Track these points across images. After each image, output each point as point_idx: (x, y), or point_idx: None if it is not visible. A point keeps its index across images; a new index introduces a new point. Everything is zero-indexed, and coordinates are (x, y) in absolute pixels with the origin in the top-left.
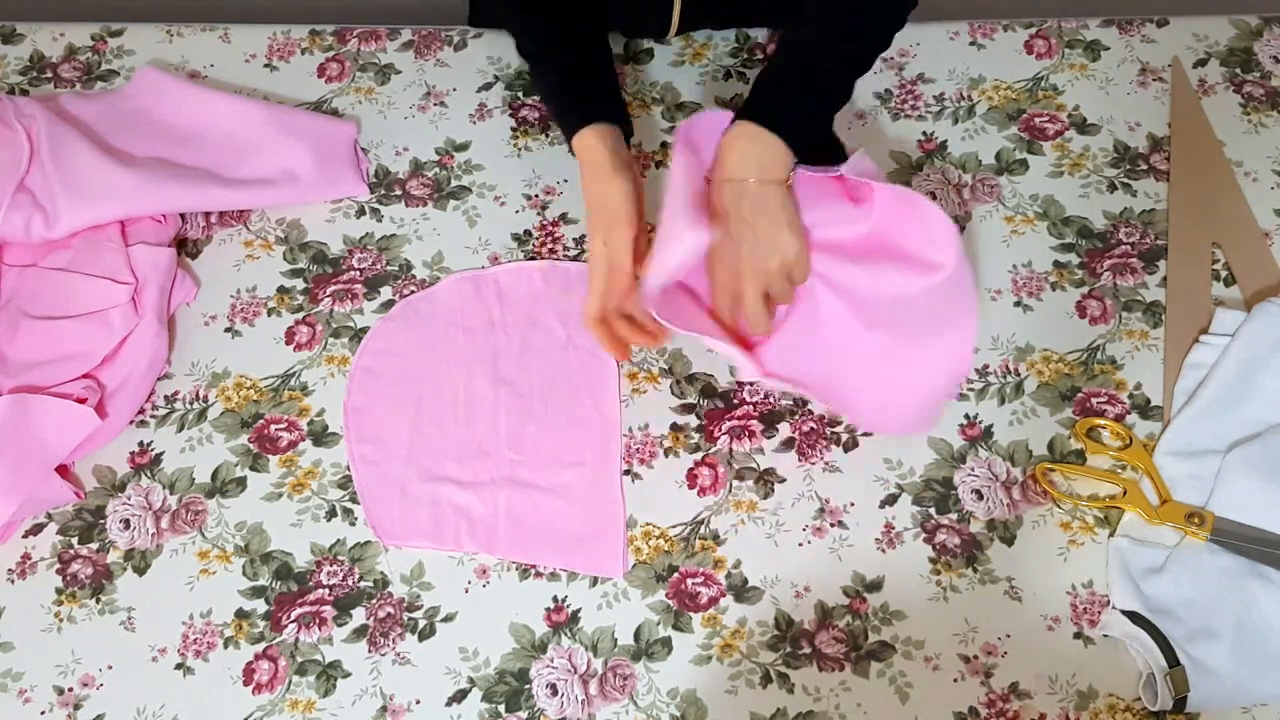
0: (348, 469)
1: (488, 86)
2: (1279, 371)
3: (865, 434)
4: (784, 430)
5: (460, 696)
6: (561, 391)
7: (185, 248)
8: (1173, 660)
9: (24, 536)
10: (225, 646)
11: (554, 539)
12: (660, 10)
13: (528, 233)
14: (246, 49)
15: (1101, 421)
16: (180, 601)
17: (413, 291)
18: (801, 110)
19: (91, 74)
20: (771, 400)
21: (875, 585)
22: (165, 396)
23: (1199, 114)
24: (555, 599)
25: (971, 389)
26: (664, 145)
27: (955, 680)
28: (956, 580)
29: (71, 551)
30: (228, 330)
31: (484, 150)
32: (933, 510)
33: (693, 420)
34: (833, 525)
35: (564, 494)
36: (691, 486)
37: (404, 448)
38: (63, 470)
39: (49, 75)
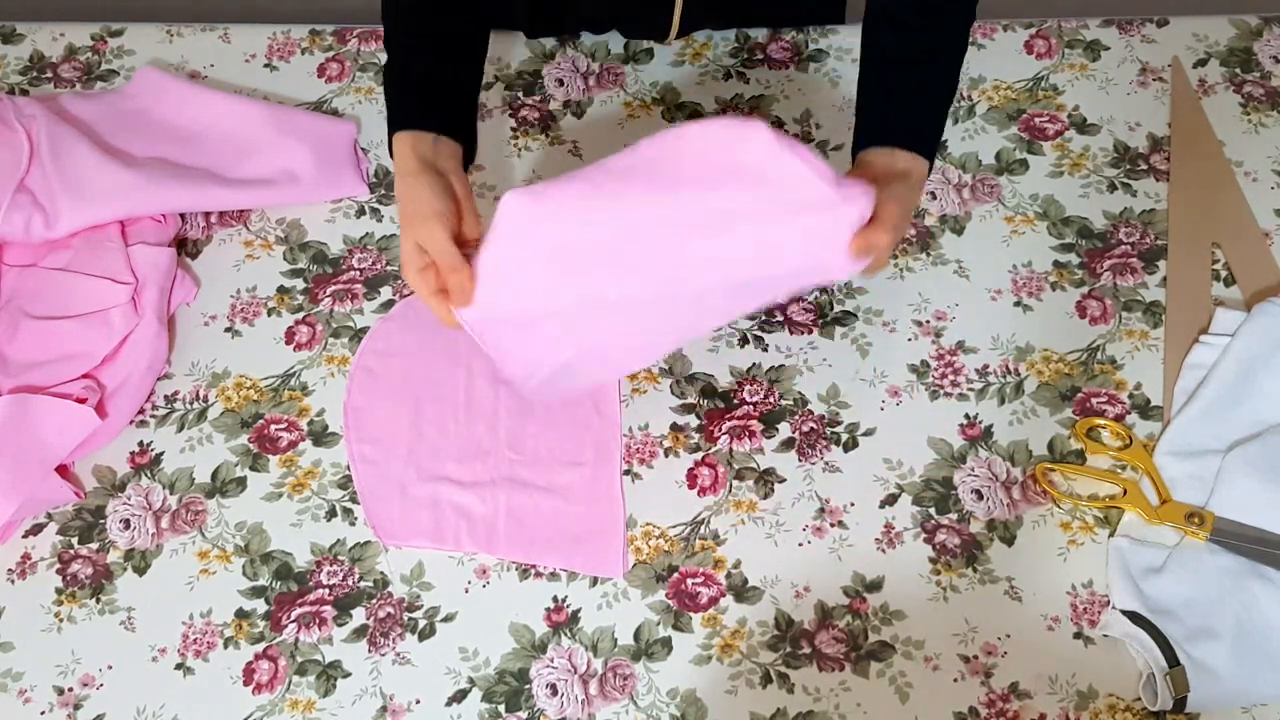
0: (348, 469)
1: (487, 86)
2: (1279, 371)
3: (865, 434)
4: (784, 430)
5: (460, 696)
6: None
7: (185, 248)
8: (1173, 660)
9: (24, 536)
10: (225, 646)
11: (554, 539)
12: (661, 13)
13: None
14: (246, 49)
15: (1101, 421)
16: (180, 601)
17: (412, 292)
18: (939, 123)
19: (91, 74)
20: (772, 400)
21: (875, 585)
22: (165, 396)
23: (1199, 114)
24: (555, 599)
25: (971, 389)
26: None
27: (955, 680)
28: (956, 580)
29: (71, 551)
30: (228, 330)
31: (484, 150)
32: (933, 510)
33: (693, 420)
34: (833, 525)
35: (564, 494)
36: (691, 486)
37: (404, 448)
38: (63, 470)
39: (49, 75)
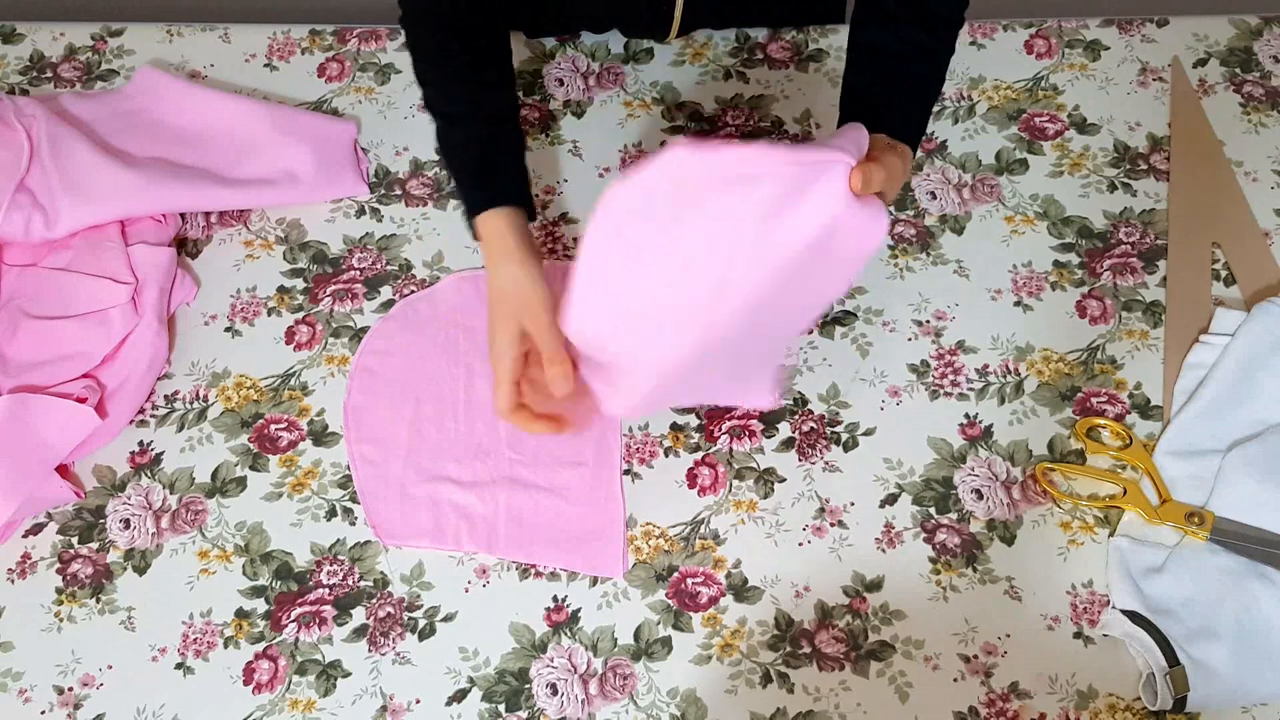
0: (348, 469)
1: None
2: (1279, 371)
3: (865, 434)
4: (784, 430)
5: (460, 696)
6: None
7: (185, 248)
8: (1173, 660)
9: (24, 536)
10: (225, 646)
11: (554, 539)
12: (662, 11)
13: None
14: (246, 49)
15: (1101, 421)
16: (180, 601)
17: (413, 291)
18: (925, 119)
19: (91, 74)
20: None
21: (875, 585)
22: (165, 396)
23: (1199, 114)
24: (555, 599)
25: (971, 389)
26: (664, 145)
27: (955, 680)
28: (956, 580)
29: (71, 551)
30: (228, 330)
31: None
32: (933, 510)
33: (693, 420)
34: (833, 525)
35: (564, 494)
36: (691, 486)
37: (404, 447)
38: (63, 470)
39: (49, 75)
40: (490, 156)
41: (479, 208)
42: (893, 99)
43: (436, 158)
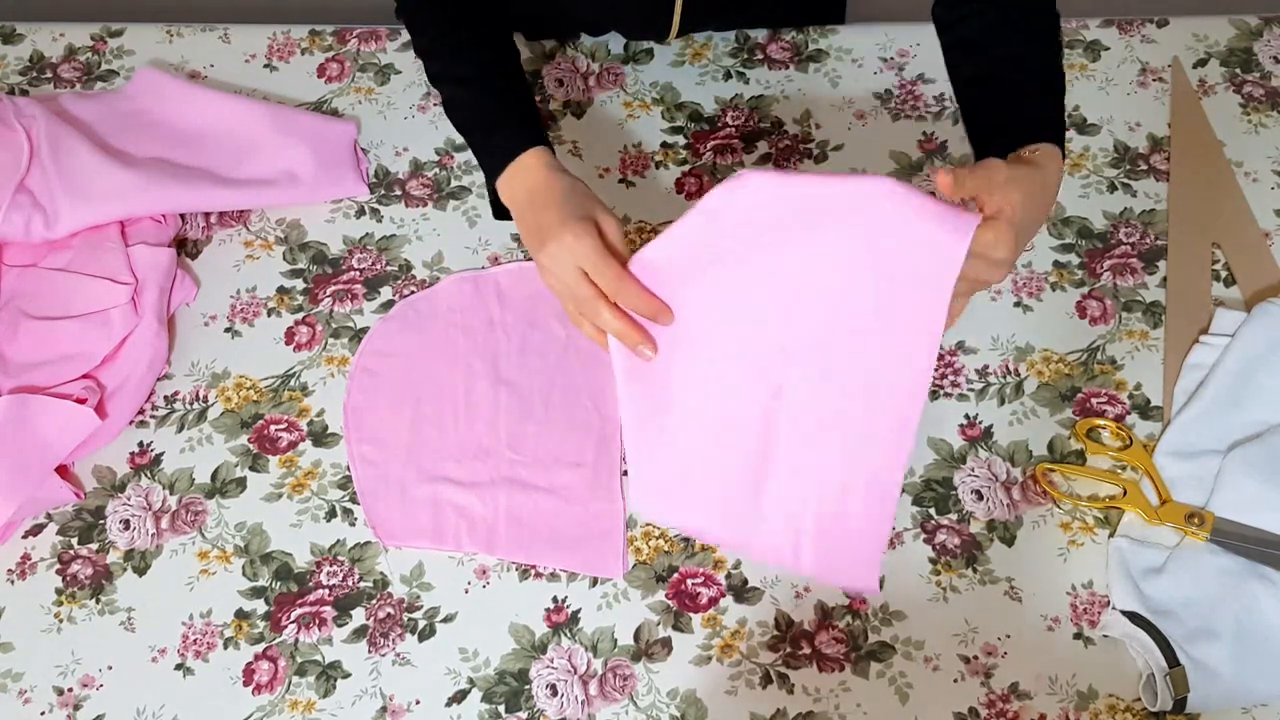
0: (348, 469)
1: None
2: (1279, 371)
3: None
4: None
5: (460, 697)
6: (561, 392)
7: (185, 248)
8: (1173, 660)
9: (24, 537)
10: (225, 647)
11: (554, 539)
12: (661, 12)
13: None
14: (246, 49)
15: (1101, 422)
16: (180, 602)
17: (413, 292)
18: (1061, 113)
19: (91, 74)
20: None
21: None
22: (165, 397)
23: (1199, 114)
24: (555, 599)
25: (971, 389)
26: (664, 145)
27: (955, 680)
28: (956, 580)
29: (71, 552)
30: (228, 330)
31: None
32: (933, 510)
33: None
34: None
35: (564, 494)
36: None
37: (404, 448)
38: (63, 470)
39: (49, 75)
40: (512, 105)
41: (517, 150)
42: (1012, 102)
43: (437, 156)
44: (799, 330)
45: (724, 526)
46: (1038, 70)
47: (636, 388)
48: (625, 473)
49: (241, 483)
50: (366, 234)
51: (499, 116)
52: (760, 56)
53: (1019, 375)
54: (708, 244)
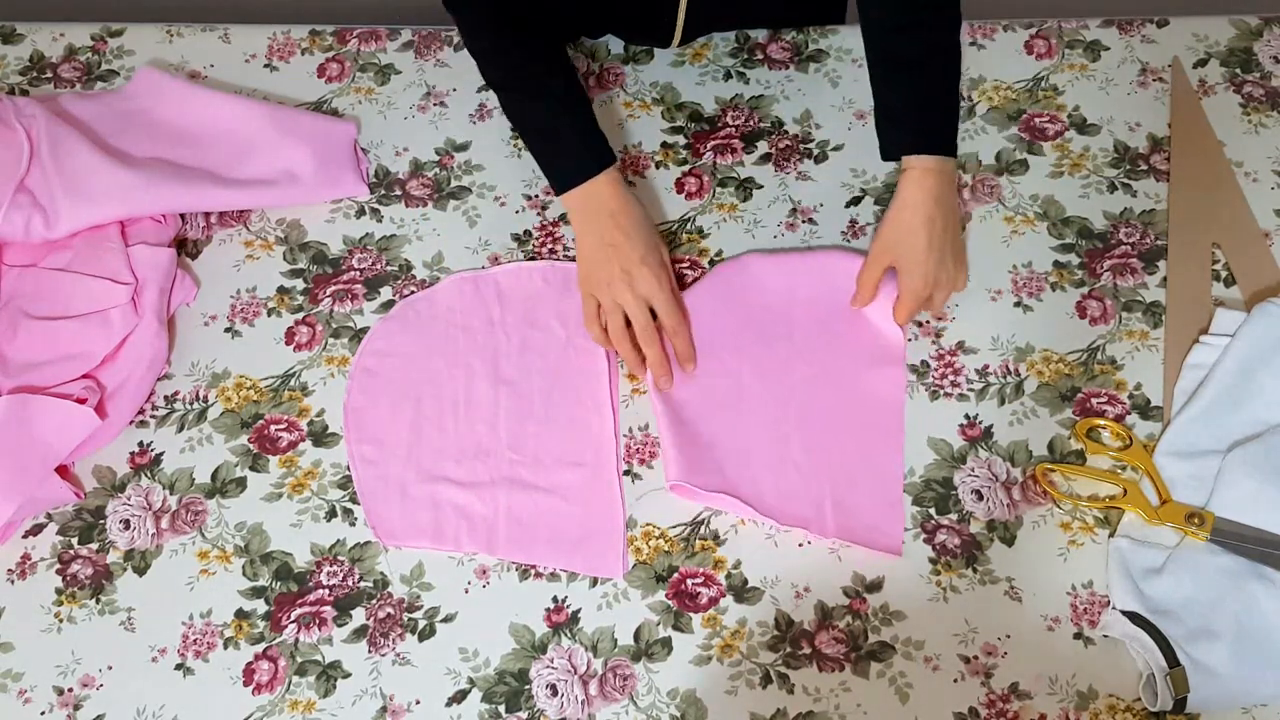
0: (348, 469)
1: (488, 86)
2: (1279, 371)
3: None
4: None
5: (460, 697)
6: (561, 391)
7: (185, 248)
8: (1173, 660)
9: (24, 536)
10: (225, 647)
11: (554, 539)
12: (663, 21)
13: (528, 233)
14: (246, 49)
15: (1101, 422)
16: (180, 602)
17: (413, 292)
18: (957, 115)
19: (91, 74)
20: None
21: (875, 585)
22: (165, 397)
23: (1199, 114)
24: (555, 599)
25: (971, 389)
26: (664, 145)
27: (955, 680)
28: (956, 580)
29: (71, 552)
30: (228, 330)
31: (484, 150)
32: (933, 510)
33: None
34: None
35: (564, 494)
36: None
37: (404, 448)
38: (63, 470)
39: (49, 75)
40: (585, 124)
41: (593, 171)
42: (906, 115)
43: (437, 156)
44: (802, 353)
45: (755, 496)
46: (930, 70)
47: (673, 403)
48: (625, 472)
49: (241, 483)
50: (366, 234)
51: (574, 134)
52: (760, 56)
53: (1019, 375)
54: (726, 299)
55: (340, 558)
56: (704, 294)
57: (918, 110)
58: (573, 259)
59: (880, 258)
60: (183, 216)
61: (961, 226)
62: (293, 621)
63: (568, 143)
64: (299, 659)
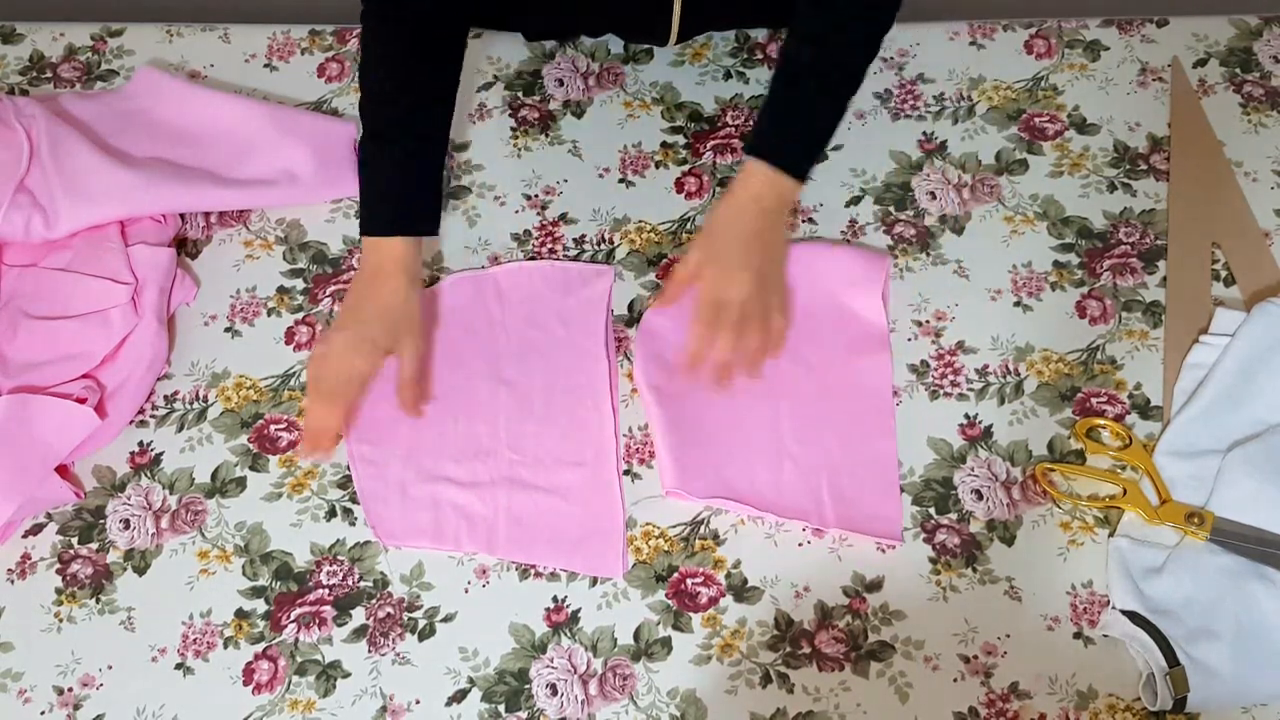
0: (347, 469)
1: (487, 86)
2: (1279, 371)
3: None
4: None
5: (460, 696)
6: (561, 391)
7: (185, 248)
8: (1173, 660)
9: (24, 536)
10: (225, 646)
11: (554, 539)
12: (659, 20)
13: (527, 233)
14: (246, 49)
15: (1101, 421)
16: (180, 601)
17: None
18: (815, 142)
19: (91, 74)
20: None
21: (875, 585)
22: (165, 396)
23: (1199, 114)
24: (555, 599)
25: (971, 389)
26: (664, 145)
27: (955, 680)
28: (956, 580)
29: (71, 551)
30: (228, 330)
31: (484, 150)
32: (932, 510)
33: None
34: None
35: (564, 494)
36: None
37: (404, 448)
38: (63, 470)
39: (49, 75)
40: (407, 183)
41: (380, 231)
42: (773, 123)
43: None
44: (788, 346)
45: (752, 494)
46: (807, 89)
47: (664, 403)
48: (625, 472)
49: (241, 482)
50: None
51: (394, 191)
52: (760, 56)
53: (1019, 375)
54: None
55: (340, 557)
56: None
57: (779, 119)
58: (574, 259)
59: (692, 254)
60: (183, 216)
61: (961, 228)
62: (293, 621)
63: (387, 194)
64: (299, 659)
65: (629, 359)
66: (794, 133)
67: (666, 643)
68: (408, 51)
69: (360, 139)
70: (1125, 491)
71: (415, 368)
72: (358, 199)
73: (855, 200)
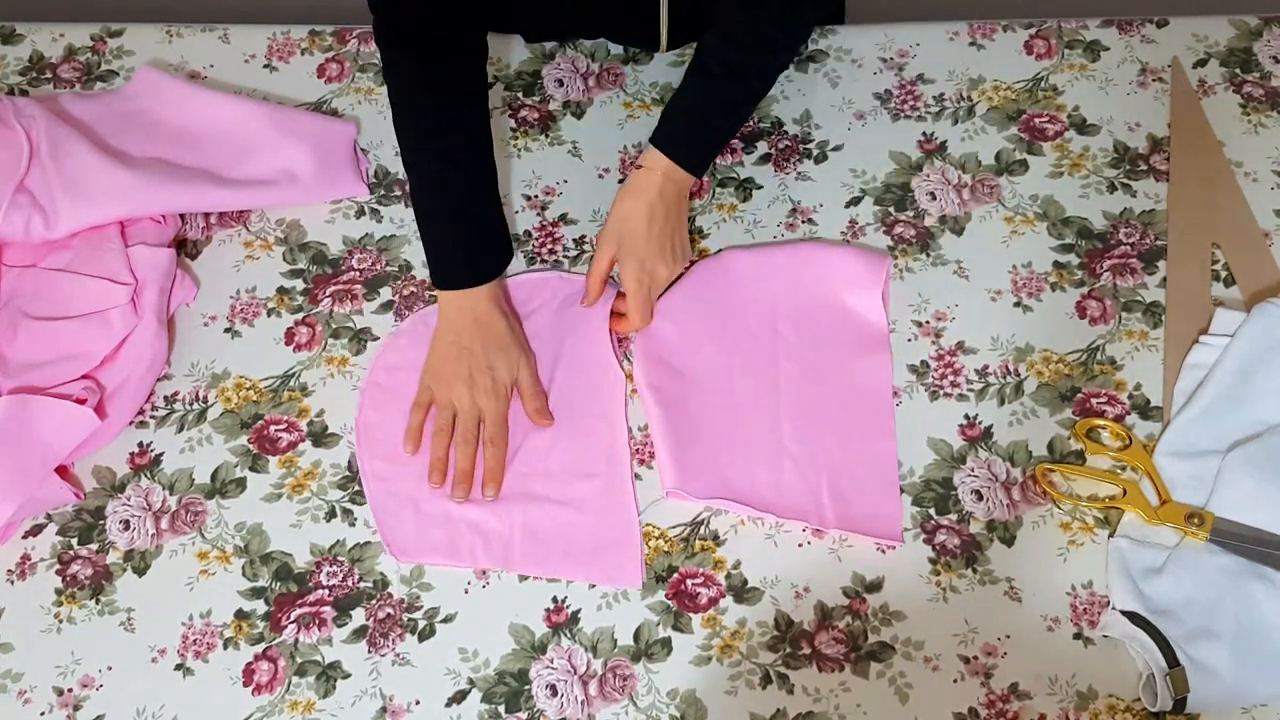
0: (348, 469)
1: (487, 86)
2: (1279, 371)
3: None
4: None
5: (460, 697)
6: (571, 403)
7: (185, 248)
8: (1172, 661)
9: (24, 537)
10: (225, 647)
11: (570, 552)
12: (648, 29)
13: (528, 233)
14: (246, 49)
15: (1101, 422)
16: (180, 602)
17: (412, 292)
18: (720, 143)
19: (91, 74)
20: None
21: (875, 586)
22: (165, 397)
23: (1199, 114)
24: (555, 599)
25: (971, 389)
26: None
27: (955, 681)
28: (956, 581)
29: (71, 552)
30: (227, 331)
31: None
32: (932, 510)
33: None
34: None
35: (578, 506)
36: None
37: (417, 464)
38: (63, 471)
39: (49, 75)
40: (475, 227)
41: (467, 284)
42: (680, 112)
43: None
44: (787, 346)
45: (752, 494)
46: (712, 88)
47: (664, 404)
48: (638, 477)
49: (241, 483)
50: (366, 234)
51: (469, 236)
52: None
53: (1019, 375)
54: (710, 297)
55: (340, 558)
56: (687, 291)
57: (680, 113)
58: (574, 259)
59: (605, 250)
60: (182, 216)
61: (961, 228)
62: (292, 622)
63: (460, 242)
64: (299, 659)
65: (629, 359)
66: (701, 135)
67: (666, 643)
68: (431, 78)
69: (410, 188)
70: (1125, 492)
71: (536, 383)
72: (359, 199)
73: (855, 201)
